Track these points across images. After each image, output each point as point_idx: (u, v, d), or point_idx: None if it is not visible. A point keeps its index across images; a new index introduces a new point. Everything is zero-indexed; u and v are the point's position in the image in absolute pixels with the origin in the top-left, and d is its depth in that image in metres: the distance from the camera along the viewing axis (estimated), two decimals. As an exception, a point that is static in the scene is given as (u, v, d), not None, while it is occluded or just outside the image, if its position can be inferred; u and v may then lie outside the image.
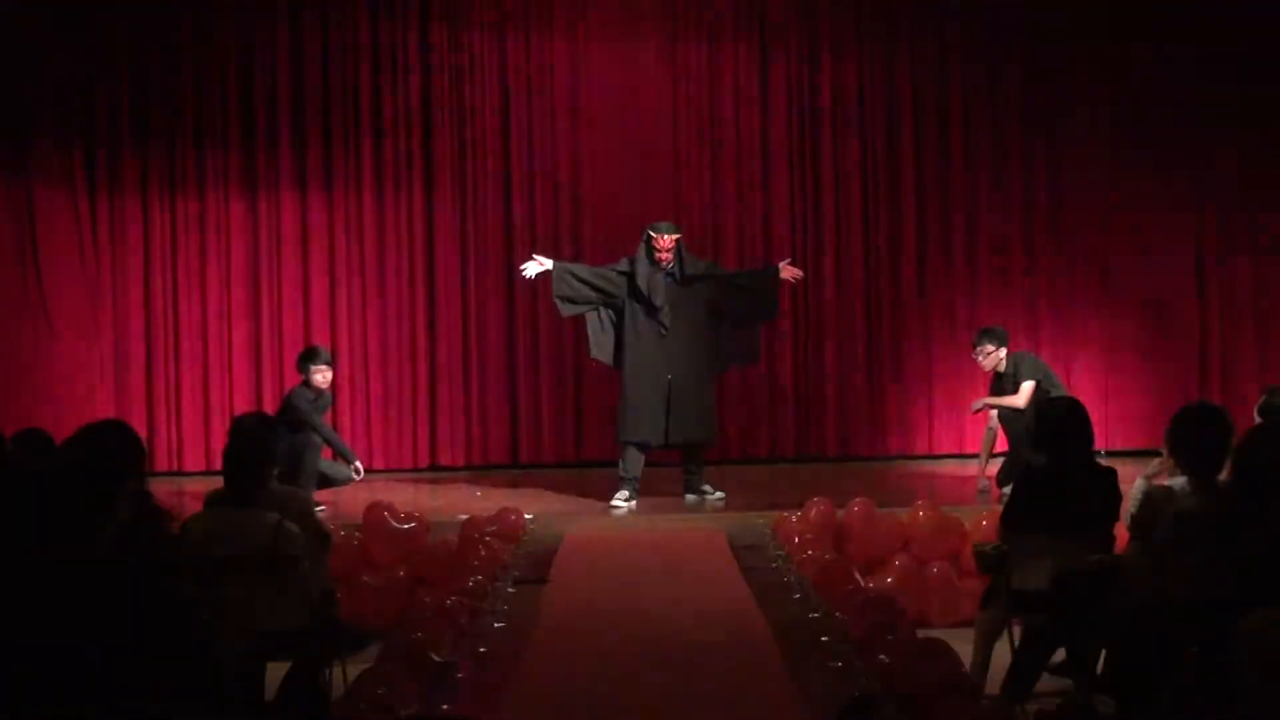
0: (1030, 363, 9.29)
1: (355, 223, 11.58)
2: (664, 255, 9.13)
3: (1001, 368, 9.25)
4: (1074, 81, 11.78)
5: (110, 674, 3.17)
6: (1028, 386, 9.06)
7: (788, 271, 9.53)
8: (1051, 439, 6.04)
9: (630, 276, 9.20)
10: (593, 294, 9.26)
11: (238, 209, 11.52)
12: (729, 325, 9.40)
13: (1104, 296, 11.78)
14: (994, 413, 9.38)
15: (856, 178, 11.78)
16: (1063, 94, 11.78)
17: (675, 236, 9.22)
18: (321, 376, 9.36)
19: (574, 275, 9.32)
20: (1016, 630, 6.01)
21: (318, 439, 9.24)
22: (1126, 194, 11.79)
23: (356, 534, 8.05)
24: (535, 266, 9.38)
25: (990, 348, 9.27)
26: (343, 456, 9.43)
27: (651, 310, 9.17)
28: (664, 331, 9.17)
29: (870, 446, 11.76)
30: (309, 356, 9.49)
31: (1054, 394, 8.71)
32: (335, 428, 10.25)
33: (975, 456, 9.90)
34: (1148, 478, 5.72)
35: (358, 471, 9.38)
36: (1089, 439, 6.07)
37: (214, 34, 11.47)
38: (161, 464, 11.17)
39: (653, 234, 9.20)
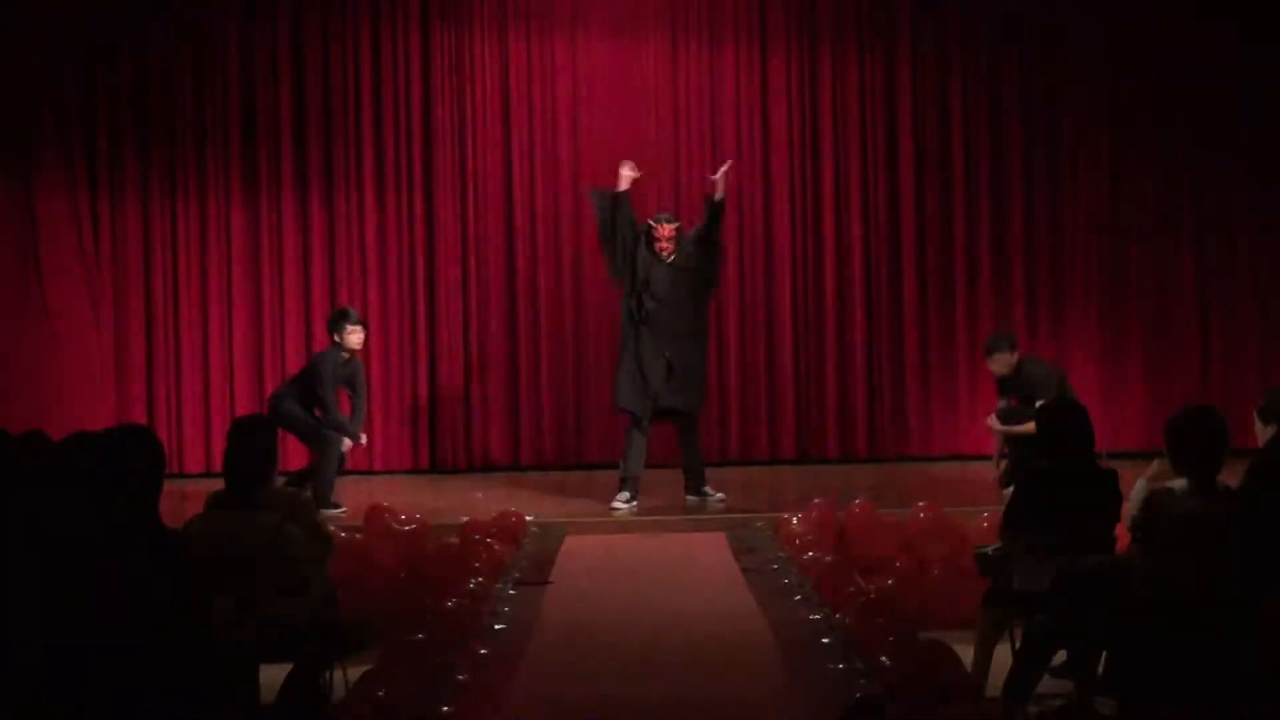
0: (1043, 375, 9.17)
1: (356, 224, 11.58)
2: (665, 245, 9.19)
3: (1009, 370, 9.19)
4: (1074, 81, 11.77)
5: (111, 673, 3.17)
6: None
7: (722, 181, 9.34)
8: (1053, 441, 6.03)
9: (634, 254, 9.21)
10: (617, 231, 9.23)
11: (239, 210, 11.52)
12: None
13: (1104, 296, 11.77)
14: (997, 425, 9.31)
15: (856, 177, 11.79)
16: (1063, 93, 11.77)
17: (675, 225, 9.28)
18: (355, 337, 9.35)
19: (627, 211, 9.26)
20: (1017, 632, 6.00)
21: (336, 438, 9.22)
22: (1126, 193, 11.78)
23: (357, 535, 8.04)
24: (626, 178, 9.26)
25: (1007, 355, 9.21)
26: (339, 428, 9.34)
27: (649, 298, 9.18)
28: (648, 317, 9.16)
29: (871, 448, 11.74)
30: (340, 317, 9.47)
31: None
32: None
33: (975, 459, 9.88)
34: (1148, 479, 5.71)
35: (355, 438, 9.35)
36: (1090, 441, 6.06)
37: (215, 35, 11.47)
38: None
39: (653, 224, 9.27)
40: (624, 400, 9.30)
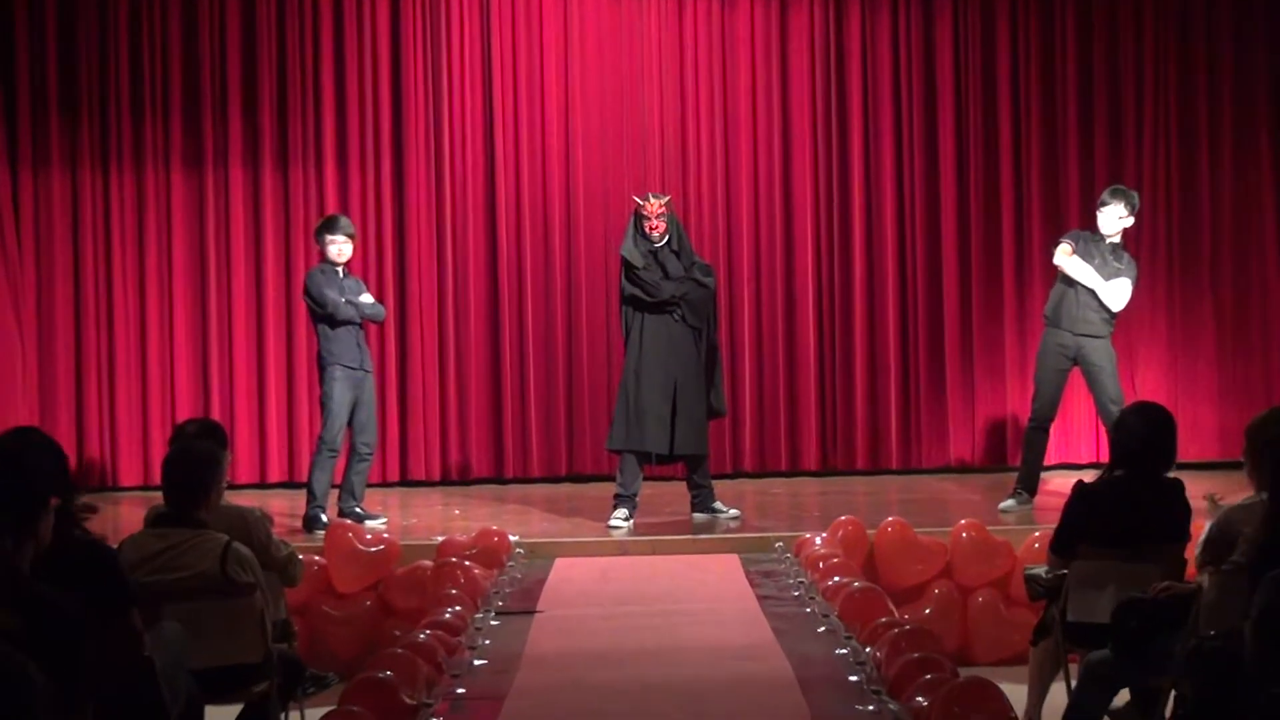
0: (1133, 267, 9.40)
1: (315, 204, 11.58)
2: (655, 224, 9.17)
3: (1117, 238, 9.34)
4: (1139, 38, 11.74)
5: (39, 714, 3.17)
6: (1125, 285, 9.23)
7: None
8: (1128, 449, 5.97)
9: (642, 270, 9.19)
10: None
11: (179, 187, 11.53)
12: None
13: (1174, 291, 11.75)
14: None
15: (890, 151, 11.75)
16: (1127, 49, 11.71)
17: (664, 200, 9.30)
18: (336, 249, 9.34)
19: None
20: (1074, 668, 6.02)
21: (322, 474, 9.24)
22: (1199, 175, 11.76)
23: (317, 558, 8.06)
24: None
25: (1124, 211, 9.32)
26: (369, 315, 9.45)
27: (663, 277, 9.15)
28: (676, 318, 9.16)
29: (905, 459, 11.75)
30: (325, 226, 9.50)
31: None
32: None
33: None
34: (1215, 522, 5.67)
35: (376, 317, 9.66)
36: (1170, 453, 6.00)
37: (153, -13, 11.50)
38: (92, 478, 11.18)
39: (639, 202, 9.30)
40: (628, 442, 9.19)
